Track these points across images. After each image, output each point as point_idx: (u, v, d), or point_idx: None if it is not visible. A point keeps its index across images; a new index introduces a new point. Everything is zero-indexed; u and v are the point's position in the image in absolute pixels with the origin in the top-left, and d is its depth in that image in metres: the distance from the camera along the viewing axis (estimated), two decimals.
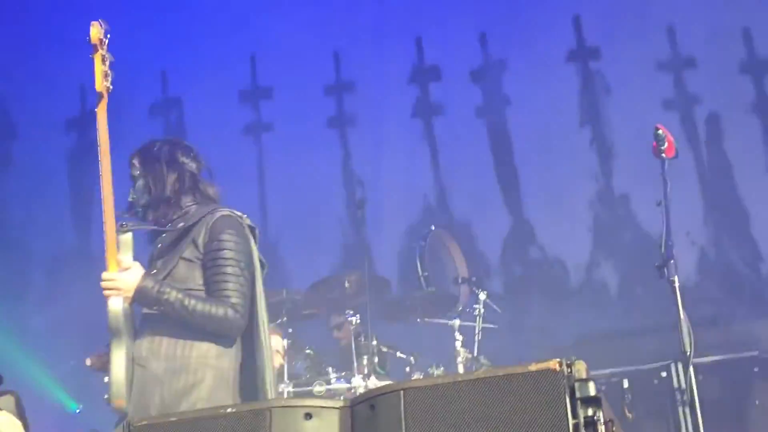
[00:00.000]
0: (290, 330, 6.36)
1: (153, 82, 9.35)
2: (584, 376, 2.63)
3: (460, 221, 8.58)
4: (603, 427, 2.57)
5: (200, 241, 3.91)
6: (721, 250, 8.21)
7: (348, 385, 5.93)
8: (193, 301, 3.77)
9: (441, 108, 8.99)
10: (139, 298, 3.81)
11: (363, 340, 6.14)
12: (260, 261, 4.07)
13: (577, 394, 2.60)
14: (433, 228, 7.20)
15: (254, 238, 4.09)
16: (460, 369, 6.00)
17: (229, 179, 8.83)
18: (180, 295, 3.78)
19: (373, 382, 5.84)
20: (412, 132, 8.91)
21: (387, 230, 8.40)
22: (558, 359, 2.66)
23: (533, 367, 2.69)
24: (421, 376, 6.05)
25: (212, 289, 3.84)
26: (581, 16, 8.83)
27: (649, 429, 5.95)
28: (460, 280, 6.80)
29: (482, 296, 6.39)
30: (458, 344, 6.13)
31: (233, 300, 3.79)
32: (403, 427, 2.70)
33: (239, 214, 4.08)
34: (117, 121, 9.13)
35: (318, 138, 8.97)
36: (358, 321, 6.17)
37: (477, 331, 6.29)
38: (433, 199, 8.73)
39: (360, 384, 5.88)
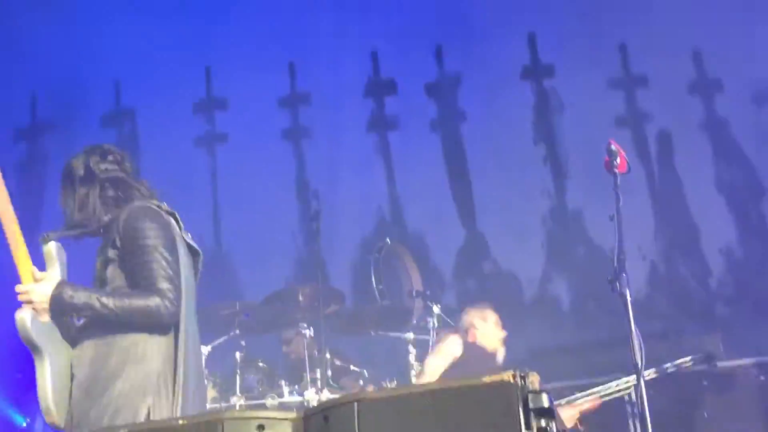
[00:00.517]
0: (243, 343, 6.30)
1: (106, 92, 9.25)
2: (537, 387, 2.63)
3: (414, 234, 8.59)
4: None
5: (116, 237, 3.73)
6: (672, 265, 8.31)
7: (301, 398, 5.89)
8: (112, 298, 3.59)
9: (396, 121, 9.01)
10: (56, 307, 3.62)
11: (317, 353, 6.10)
12: (191, 247, 3.95)
13: (531, 406, 2.60)
14: (387, 241, 7.20)
15: (178, 223, 3.93)
16: (414, 382, 5.98)
17: (183, 190, 8.83)
18: (96, 295, 3.60)
19: (326, 395, 5.81)
20: (367, 145, 8.92)
21: (341, 243, 8.38)
22: (512, 371, 2.66)
23: (487, 379, 2.68)
24: (375, 389, 6.02)
25: (137, 280, 3.65)
26: (536, 34, 8.92)
27: None
28: (414, 294, 6.78)
29: (436, 309, 6.38)
30: (412, 357, 6.12)
31: (160, 286, 3.61)
32: None
33: (156, 203, 3.91)
34: (69, 131, 9.11)
35: (273, 150, 8.93)
36: (312, 334, 6.14)
37: (431, 345, 6.27)
38: (387, 212, 8.73)
39: (313, 397, 5.84)
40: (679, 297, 8.15)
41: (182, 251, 3.84)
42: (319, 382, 5.96)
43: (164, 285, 3.62)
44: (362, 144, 8.91)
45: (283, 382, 6.09)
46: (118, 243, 3.72)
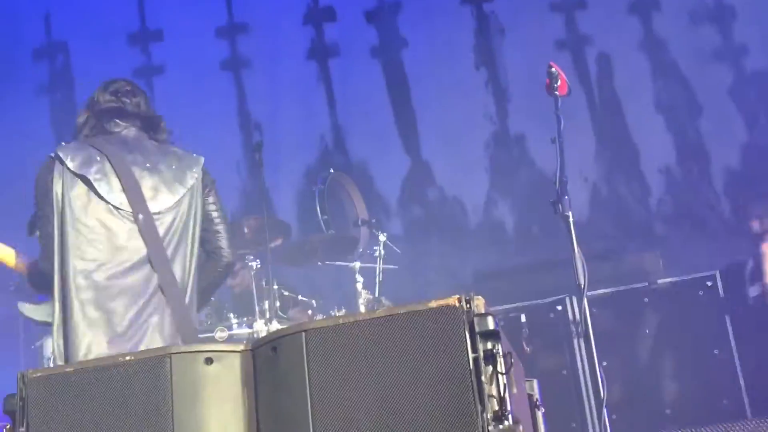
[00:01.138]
0: None
1: (37, 25, 9.00)
2: (483, 311, 2.67)
3: (358, 163, 8.57)
4: (502, 360, 2.62)
5: None
6: (612, 186, 8.42)
7: (250, 330, 5.89)
8: None
9: (336, 49, 8.92)
10: None
11: (264, 285, 6.10)
12: (86, 180, 3.72)
13: (477, 329, 2.64)
14: (331, 171, 7.16)
15: (63, 164, 3.75)
16: (362, 310, 6.02)
17: None
18: None
19: (276, 327, 5.82)
20: (307, 74, 8.83)
21: (285, 174, 8.34)
22: (457, 295, 2.69)
23: (433, 304, 2.71)
24: (323, 317, 6.06)
25: None
26: None
27: (546, 360, 6.12)
28: (359, 222, 6.79)
29: (382, 238, 6.40)
30: (359, 286, 6.14)
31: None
32: (306, 368, 2.70)
33: (61, 148, 3.78)
34: (0, 64, 8.85)
35: (212, 81, 8.81)
36: (259, 266, 6.12)
37: (378, 273, 6.31)
38: (330, 141, 8.69)
39: (262, 329, 5.84)
40: (619, 217, 8.29)
41: (63, 198, 3.71)
42: (267, 314, 5.96)
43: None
44: (303, 73, 8.82)
45: (231, 315, 6.08)
46: None
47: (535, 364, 5.93)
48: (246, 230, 6.42)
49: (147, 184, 3.79)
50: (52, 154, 3.79)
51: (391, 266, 6.47)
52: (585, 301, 4.13)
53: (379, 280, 6.33)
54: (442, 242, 8.21)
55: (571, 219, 4.28)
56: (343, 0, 8.96)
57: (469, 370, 2.58)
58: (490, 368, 2.59)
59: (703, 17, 8.53)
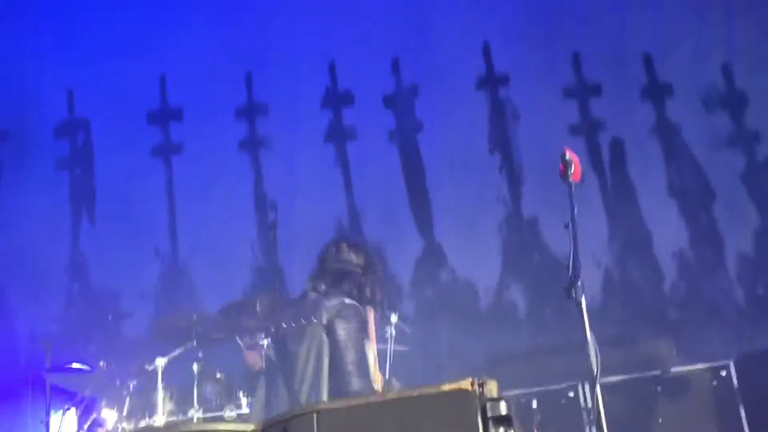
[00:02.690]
0: (200, 354, 6.26)
1: (59, 101, 9.16)
2: (495, 395, 2.66)
3: (372, 244, 8.58)
4: None
5: None
6: (625, 271, 8.40)
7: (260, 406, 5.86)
8: None
9: (354, 132, 9.02)
10: None
11: (275, 361, 6.08)
12: None
13: (489, 413, 2.64)
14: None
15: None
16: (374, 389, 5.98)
17: (138, 201, 8.79)
18: None
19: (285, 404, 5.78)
20: (324, 156, 8.91)
21: (299, 253, 8.34)
22: (470, 379, 2.69)
23: (446, 388, 2.72)
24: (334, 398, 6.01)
25: None
26: (491, 44, 8.99)
27: None
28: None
29: (393, 318, 6.38)
30: (371, 366, 6.09)
31: None
32: None
33: None
34: (22, 140, 9.03)
35: (229, 160, 8.90)
36: (270, 344, 6.11)
37: (389, 354, 6.27)
38: (345, 222, 8.73)
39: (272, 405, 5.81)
40: (632, 302, 8.25)
41: None
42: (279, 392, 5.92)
43: None
44: (320, 155, 8.90)
45: (241, 394, 6.05)
46: None
47: None
48: (258, 307, 6.42)
49: None
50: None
51: (403, 348, 6.43)
52: (597, 388, 4.09)
53: (389, 362, 6.28)
54: (454, 324, 8.18)
55: (584, 305, 4.26)
56: (361, 84, 9.08)
57: None
58: None
59: (715, 103, 8.62)
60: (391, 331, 6.32)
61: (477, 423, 2.64)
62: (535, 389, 6.19)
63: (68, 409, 6.30)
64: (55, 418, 6.30)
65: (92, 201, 8.89)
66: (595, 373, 4.12)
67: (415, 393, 2.73)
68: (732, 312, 8.08)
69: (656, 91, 8.77)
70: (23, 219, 8.59)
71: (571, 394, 6.18)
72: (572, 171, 4.54)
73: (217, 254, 8.51)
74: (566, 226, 4.49)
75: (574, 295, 4.29)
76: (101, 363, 6.40)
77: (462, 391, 2.68)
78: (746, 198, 8.38)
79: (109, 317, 7.28)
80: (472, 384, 2.67)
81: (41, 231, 8.60)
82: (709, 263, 8.31)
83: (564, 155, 4.56)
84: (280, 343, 6.07)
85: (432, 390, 2.71)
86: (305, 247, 8.43)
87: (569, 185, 4.53)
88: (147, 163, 8.98)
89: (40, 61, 8.88)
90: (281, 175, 8.80)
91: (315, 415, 2.76)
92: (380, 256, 8.46)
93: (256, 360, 6.49)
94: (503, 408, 2.63)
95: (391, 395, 2.74)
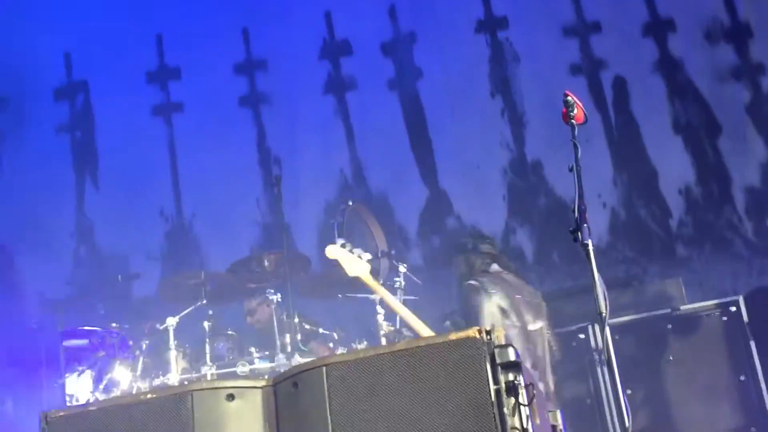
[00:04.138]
0: (210, 312, 6.29)
1: (57, 64, 9.11)
2: (503, 342, 2.66)
3: (376, 195, 8.58)
4: (524, 391, 2.61)
5: None
6: (632, 210, 8.38)
7: (272, 364, 5.90)
8: None
9: (353, 82, 8.96)
10: None
11: (285, 318, 6.10)
12: None
13: (498, 360, 2.64)
14: (350, 203, 7.15)
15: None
16: (383, 342, 5.98)
17: (141, 162, 8.78)
18: None
19: (297, 360, 5.82)
20: (325, 108, 8.87)
21: (305, 207, 8.36)
22: (477, 327, 2.68)
23: (453, 336, 2.72)
24: (345, 351, 6.05)
25: None
26: None
27: (569, 388, 6.08)
28: (379, 254, 6.75)
29: (402, 269, 6.36)
30: (380, 318, 6.09)
31: None
32: (327, 402, 2.70)
33: None
34: (22, 105, 9.00)
35: (230, 117, 8.86)
36: (279, 299, 6.13)
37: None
38: (349, 173, 8.71)
39: (284, 362, 5.85)
40: (640, 241, 8.24)
41: None
42: (289, 348, 5.96)
43: None
44: (321, 107, 8.86)
45: (253, 349, 6.09)
46: None
47: (559, 393, 5.87)
48: (266, 264, 6.44)
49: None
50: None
51: (412, 297, 6.43)
52: (607, 328, 4.09)
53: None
54: None
55: (590, 247, 4.24)
56: (358, 33, 9.00)
57: (491, 401, 2.58)
58: (512, 399, 2.59)
59: (718, 36, 8.53)
60: (400, 282, 6.32)
61: (486, 370, 2.64)
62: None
63: (83, 371, 6.35)
64: (70, 379, 6.36)
65: (95, 164, 8.89)
66: (604, 315, 4.12)
67: (423, 342, 2.73)
68: (741, 246, 8.07)
69: (658, 27, 8.68)
70: (27, 184, 8.60)
71: (582, 336, 6.20)
72: (575, 113, 4.50)
73: (222, 212, 8.52)
74: (570, 170, 4.46)
75: (580, 237, 4.29)
76: (113, 324, 6.45)
77: (470, 339, 2.68)
78: (752, 131, 8.32)
79: (118, 279, 7.31)
80: (480, 331, 2.67)
81: (45, 196, 8.60)
82: (716, 198, 8.28)
83: (566, 97, 4.52)
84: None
85: (440, 338, 2.71)
86: (310, 201, 8.46)
87: (572, 128, 4.50)
88: (148, 123, 8.97)
89: (36, 24, 8.81)
90: (283, 129, 8.77)
91: (324, 369, 2.77)
92: (385, 206, 8.46)
93: (263, 318, 6.54)
94: (511, 354, 2.63)
95: (399, 345, 2.75)
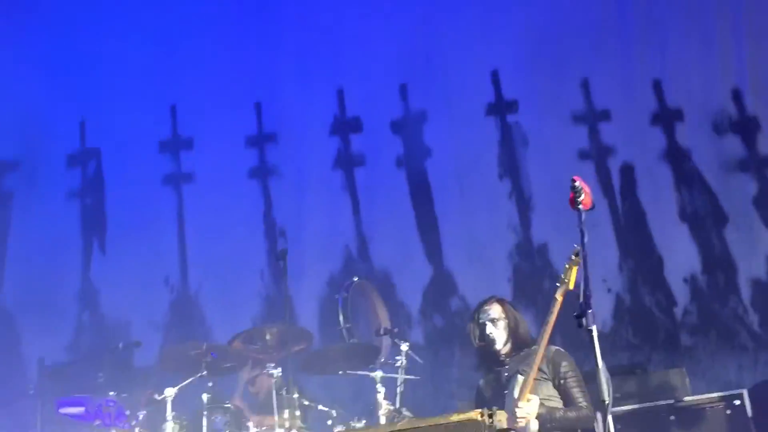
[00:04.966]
0: (210, 384, 6.24)
1: (71, 131, 9.21)
2: (505, 426, 2.64)
3: (381, 271, 8.58)
4: None
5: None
6: (637, 296, 8.37)
7: None
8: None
9: (362, 159, 9.02)
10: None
11: (285, 393, 6.05)
12: None
13: None
14: (355, 279, 7.17)
15: None
16: (383, 421, 5.90)
17: (149, 230, 8.82)
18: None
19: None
20: (333, 183, 8.92)
21: (308, 281, 8.35)
22: (479, 410, 2.67)
23: (455, 418, 2.70)
24: (342, 430, 5.98)
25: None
26: (499, 70, 9.01)
27: None
28: (382, 332, 6.74)
29: (404, 347, 6.33)
30: (380, 396, 6.04)
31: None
32: None
33: None
34: (34, 169, 9.09)
35: (239, 189, 8.92)
36: (280, 374, 6.09)
37: (399, 383, 6.21)
38: (354, 249, 8.72)
39: None
40: (644, 328, 8.21)
41: None
42: (287, 423, 5.90)
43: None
44: (329, 182, 8.91)
45: (250, 424, 6.03)
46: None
47: None
48: (268, 337, 6.41)
49: None
50: None
51: (413, 377, 6.39)
52: (609, 417, 4.06)
53: (400, 391, 6.22)
54: (464, 353, 8.11)
55: (595, 334, 4.23)
56: (369, 110, 9.10)
57: None
58: None
59: (726, 128, 8.61)
60: (401, 360, 6.28)
61: None
62: None
63: None
64: None
65: (103, 230, 8.92)
66: (607, 403, 4.09)
67: (423, 423, 2.71)
68: (746, 338, 8.03)
69: (666, 116, 8.77)
70: (34, 248, 8.63)
71: None
72: (582, 199, 4.53)
73: (227, 283, 8.52)
74: (576, 254, 4.48)
75: (585, 323, 4.27)
76: (110, 393, 6.40)
77: (471, 422, 2.66)
78: (758, 222, 8.35)
79: (119, 346, 7.27)
80: (482, 414, 2.65)
81: (52, 260, 8.62)
82: (721, 288, 8.27)
83: (574, 183, 4.55)
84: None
85: (441, 420, 2.69)
86: (314, 275, 8.46)
87: (579, 214, 4.52)
88: (158, 192, 9.02)
89: (53, 91, 8.94)
90: (290, 203, 8.82)
91: None
92: (388, 283, 8.45)
93: (262, 388, 6.49)
94: None
95: (400, 425, 2.73)
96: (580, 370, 5.30)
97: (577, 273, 5.00)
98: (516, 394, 4.83)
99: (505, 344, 5.44)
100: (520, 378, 5.02)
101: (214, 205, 8.71)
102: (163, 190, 9.04)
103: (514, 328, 5.51)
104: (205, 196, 8.87)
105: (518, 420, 4.45)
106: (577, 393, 5.15)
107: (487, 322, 5.48)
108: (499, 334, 5.46)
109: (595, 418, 4.99)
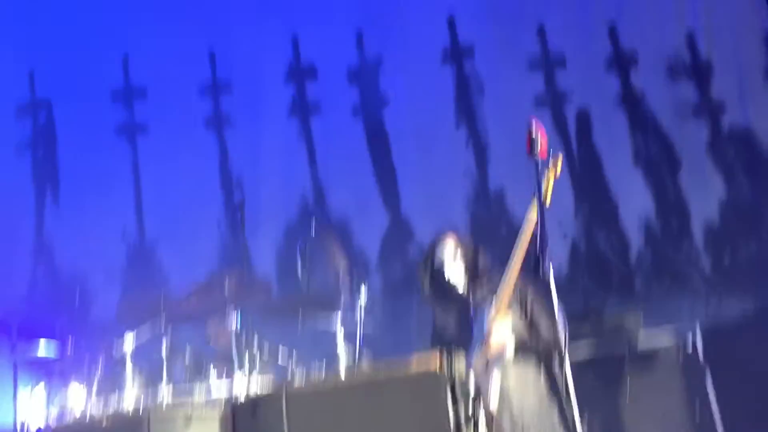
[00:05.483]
0: (169, 333, 6.22)
1: (20, 82, 9.02)
2: (463, 370, 2.67)
3: (338, 220, 8.57)
4: (483, 422, 2.62)
5: None
6: (592, 242, 8.44)
7: (230, 387, 5.84)
8: None
9: (318, 107, 8.96)
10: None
11: (244, 341, 6.06)
12: None
13: (458, 393, 2.64)
14: (312, 228, 7.16)
15: None
16: (343, 362, 5.97)
17: (103, 182, 8.71)
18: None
19: (256, 383, 5.77)
20: (289, 131, 8.86)
21: (265, 230, 8.33)
22: (438, 357, 2.69)
23: (414, 368, 2.72)
24: (304, 375, 6.00)
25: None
26: (455, 17, 8.96)
27: None
28: (340, 279, 6.77)
29: (362, 294, 6.38)
30: (340, 343, 6.09)
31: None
32: (285, 430, 2.69)
33: None
34: None
35: (194, 139, 8.82)
36: (239, 323, 6.09)
37: (358, 329, 6.27)
38: (311, 198, 8.70)
39: (242, 385, 5.79)
40: (600, 273, 8.30)
41: None
42: (247, 370, 5.91)
43: None
44: (284, 130, 8.85)
45: (211, 370, 6.03)
46: None
47: None
48: (226, 287, 6.39)
49: None
50: None
51: (372, 323, 6.43)
52: (567, 362, 4.12)
53: (359, 337, 6.27)
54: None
55: (551, 281, 4.27)
56: (324, 58, 9.02)
57: None
58: (472, 430, 2.60)
59: (680, 72, 8.65)
60: (360, 307, 6.30)
61: (446, 401, 2.64)
62: None
63: (37, 390, 6.27)
64: (22, 399, 6.27)
65: (56, 183, 8.80)
66: (564, 349, 4.15)
67: (383, 375, 2.73)
68: (698, 282, 8.15)
69: (621, 61, 8.79)
70: None
71: None
72: (539, 148, 4.54)
73: (184, 234, 8.46)
74: (533, 199, 4.51)
75: (541, 272, 4.31)
76: (69, 344, 6.37)
77: (430, 372, 2.68)
78: (712, 167, 8.43)
79: (76, 298, 7.22)
80: (441, 357, 2.67)
81: (4, 213, 8.49)
82: (675, 233, 8.37)
83: (530, 132, 4.55)
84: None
85: (400, 372, 2.71)
86: (271, 224, 8.43)
87: (536, 163, 4.53)
88: (111, 143, 8.89)
89: (0, 42, 8.75)
90: (246, 152, 8.75)
91: (284, 397, 2.76)
92: (346, 231, 8.44)
93: (223, 340, 6.49)
94: (471, 386, 2.64)
95: (359, 378, 2.74)
96: None
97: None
98: (486, 325, 4.46)
99: (464, 279, 5.18)
100: (488, 309, 4.72)
101: (170, 156, 8.61)
102: (116, 140, 8.92)
103: (473, 259, 5.31)
104: (159, 147, 8.77)
105: (493, 347, 4.15)
106: (544, 320, 4.85)
107: (444, 262, 5.21)
108: (457, 269, 5.20)
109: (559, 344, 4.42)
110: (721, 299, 7.73)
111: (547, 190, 4.76)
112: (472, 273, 5.25)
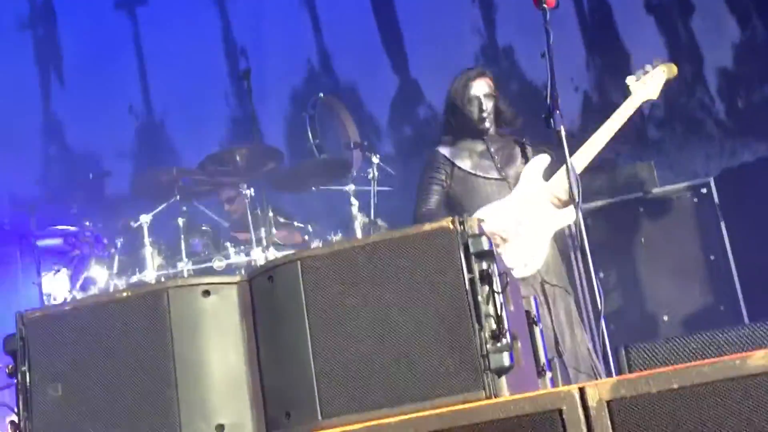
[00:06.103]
0: (184, 208, 6.27)
1: None
2: (477, 231, 2.67)
3: (346, 85, 8.50)
4: (497, 279, 2.63)
5: None
6: (604, 93, 8.37)
7: (248, 258, 5.93)
8: None
9: None
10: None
11: (259, 212, 6.11)
12: None
13: (471, 249, 2.65)
14: (321, 95, 7.10)
15: None
16: (359, 233, 6.03)
17: (106, 58, 8.61)
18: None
19: (273, 253, 5.85)
20: None
21: (273, 99, 8.29)
22: (450, 217, 2.69)
23: (427, 227, 2.72)
24: (320, 244, 6.07)
25: None
26: None
27: None
28: (352, 145, 6.75)
29: (375, 160, 6.36)
30: (354, 209, 6.12)
31: None
32: (303, 296, 2.72)
33: None
34: None
35: (195, 9, 8.68)
36: (252, 194, 6.12)
37: (372, 195, 6.29)
38: (317, 64, 8.61)
39: (260, 256, 5.88)
40: None
41: None
42: (264, 241, 5.98)
43: None
44: None
45: (228, 244, 6.10)
46: None
47: None
48: (238, 158, 6.39)
49: None
50: None
51: (386, 188, 6.45)
52: (579, 214, 4.14)
53: (374, 203, 6.29)
54: None
55: (563, 133, 4.26)
56: None
57: (466, 290, 2.61)
58: (486, 288, 2.62)
59: None
60: (373, 172, 6.31)
61: (460, 259, 2.65)
62: None
63: (59, 270, 6.37)
64: (46, 279, 6.38)
65: (59, 62, 8.73)
66: (577, 200, 4.16)
67: (397, 234, 2.73)
68: (712, 127, 8.11)
69: None
70: None
71: None
72: None
73: (191, 107, 8.43)
74: (543, 56, 4.44)
75: (553, 123, 4.30)
76: (86, 223, 6.43)
77: (443, 229, 2.68)
78: (725, 10, 8.26)
79: (90, 177, 7.26)
80: (453, 221, 2.67)
81: (10, 96, 8.45)
82: (688, 80, 8.26)
83: None
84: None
85: (414, 230, 2.72)
86: (278, 92, 8.38)
87: (544, 12, 4.45)
88: (112, 17, 8.76)
89: None
90: (249, 20, 8.62)
91: (299, 262, 2.77)
92: (355, 96, 8.39)
93: (240, 207, 6.55)
94: (485, 243, 2.64)
95: (373, 237, 2.75)
96: (550, 170, 5.35)
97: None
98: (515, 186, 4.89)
99: (491, 124, 5.37)
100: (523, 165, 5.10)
101: (171, 28, 8.49)
102: (116, 14, 8.79)
103: (504, 106, 5.42)
104: (160, 19, 8.64)
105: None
106: None
107: (482, 96, 5.37)
108: (490, 111, 5.37)
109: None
110: (735, 143, 7.70)
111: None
112: (497, 116, 5.26)
